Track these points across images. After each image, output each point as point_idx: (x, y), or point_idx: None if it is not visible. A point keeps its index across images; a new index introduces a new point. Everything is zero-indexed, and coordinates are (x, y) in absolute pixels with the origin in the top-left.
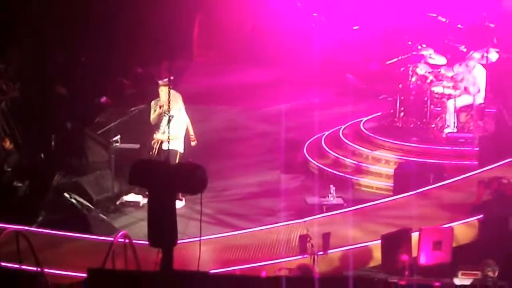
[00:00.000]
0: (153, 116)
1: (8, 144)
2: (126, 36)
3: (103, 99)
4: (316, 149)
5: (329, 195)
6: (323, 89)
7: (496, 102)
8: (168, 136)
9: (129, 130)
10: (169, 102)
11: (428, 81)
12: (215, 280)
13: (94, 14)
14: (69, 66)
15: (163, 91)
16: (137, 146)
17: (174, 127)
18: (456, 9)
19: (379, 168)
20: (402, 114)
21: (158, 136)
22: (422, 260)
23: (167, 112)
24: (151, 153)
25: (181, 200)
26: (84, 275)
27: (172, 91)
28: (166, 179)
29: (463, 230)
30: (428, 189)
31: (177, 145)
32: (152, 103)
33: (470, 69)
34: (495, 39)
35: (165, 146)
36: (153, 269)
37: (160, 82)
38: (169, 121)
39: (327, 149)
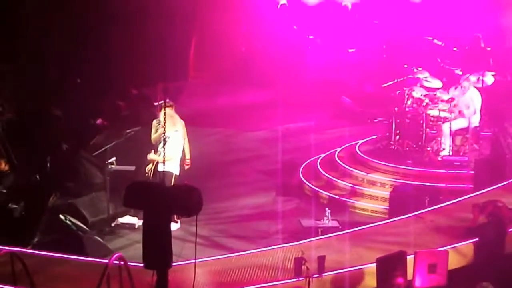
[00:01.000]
0: (154, 136)
1: (3, 166)
2: (121, 57)
3: (99, 120)
4: (312, 171)
5: (324, 217)
6: (318, 111)
7: (491, 125)
8: (164, 158)
9: (125, 152)
10: (164, 123)
11: (424, 104)
12: None
13: (90, 36)
14: (65, 88)
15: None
16: (132, 168)
17: (169, 149)
18: (452, 32)
19: (374, 191)
20: (397, 137)
21: (152, 156)
22: (418, 283)
23: (163, 134)
24: (146, 175)
25: (176, 222)
26: None
27: (170, 112)
28: (162, 201)
29: (459, 253)
30: (423, 212)
31: (173, 167)
32: (154, 122)
33: (466, 92)
34: (491, 61)
35: (160, 168)
36: None
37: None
38: (164, 142)
39: (322, 171)
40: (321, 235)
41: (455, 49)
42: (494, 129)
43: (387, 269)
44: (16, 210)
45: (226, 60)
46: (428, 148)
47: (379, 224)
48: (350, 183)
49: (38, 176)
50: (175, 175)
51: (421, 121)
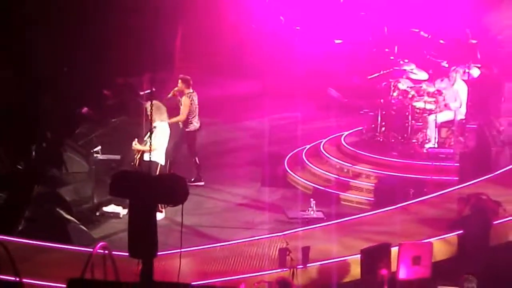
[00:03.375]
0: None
1: None
2: (107, 46)
3: (84, 109)
4: (297, 162)
5: (309, 209)
6: (305, 103)
7: (477, 118)
8: (150, 147)
9: (110, 141)
10: (151, 114)
11: (410, 96)
12: None
13: (75, 25)
14: (50, 76)
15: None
16: (118, 157)
17: (155, 139)
18: (439, 24)
19: (359, 183)
20: (383, 128)
21: (137, 146)
22: (402, 275)
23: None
24: (132, 164)
25: (161, 211)
26: (64, 285)
27: (156, 103)
28: (147, 191)
29: (443, 245)
30: (408, 204)
31: (158, 157)
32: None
33: (453, 84)
34: (479, 55)
35: (146, 158)
36: (133, 280)
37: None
38: (151, 132)
39: (308, 162)
40: (306, 226)
41: (441, 41)
42: (479, 121)
43: (371, 260)
44: (0, 198)
45: (213, 51)
46: (414, 140)
47: (364, 216)
48: (335, 174)
49: (22, 165)
50: (161, 165)
51: (407, 113)
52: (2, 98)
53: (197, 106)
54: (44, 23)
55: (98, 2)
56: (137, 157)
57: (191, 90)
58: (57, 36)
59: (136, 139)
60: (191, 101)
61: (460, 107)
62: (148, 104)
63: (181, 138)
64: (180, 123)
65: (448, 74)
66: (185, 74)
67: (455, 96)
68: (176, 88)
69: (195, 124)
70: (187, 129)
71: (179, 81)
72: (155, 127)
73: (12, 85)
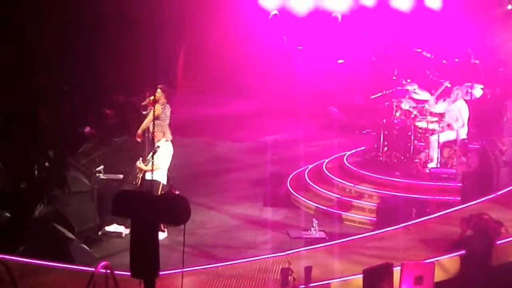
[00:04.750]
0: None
1: None
2: (109, 64)
3: (87, 129)
4: (299, 182)
5: (312, 228)
6: (307, 122)
7: (479, 138)
8: (152, 167)
9: (112, 160)
10: (153, 133)
11: (412, 116)
12: None
13: (78, 43)
14: (53, 95)
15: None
16: (120, 176)
17: (158, 158)
18: (441, 45)
19: (362, 202)
20: (385, 148)
21: (140, 165)
22: None
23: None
24: (134, 183)
25: (164, 231)
26: None
27: (160, 122)
28: (149, 210)
29: (445, 265)
30: (410, 224)
31: (160, 176)
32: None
33: (454, 102)
34: (481, 74)
35: (148, 177)
36: None
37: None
38: (154, 151)
39: (310, 182)
40: (308, 245)
41: (444, 61)
42: (482, 141)
43: (373, 280)
44: (3, 217)
45: (215, 69)
46: (416, 160)
47: (366, 236)
48: (337, 194)
49: (25, 184)
50: (163, 184)
51: (409, 133)
52: (4, 117)
53: (169, 118)
54: (46, 40)
55: (100, 19)
56: (140, 176)
57: (165, 101)
58: (58, 54)
59: (140, 158)
60: (163, 109)
61: (462, 126)
62: (151, 123)
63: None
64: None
65: (450, 94)
66: (187, 93)
67: (457, 116)
68: (152, 97)
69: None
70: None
71: (158, 90)
72: (158, 146)
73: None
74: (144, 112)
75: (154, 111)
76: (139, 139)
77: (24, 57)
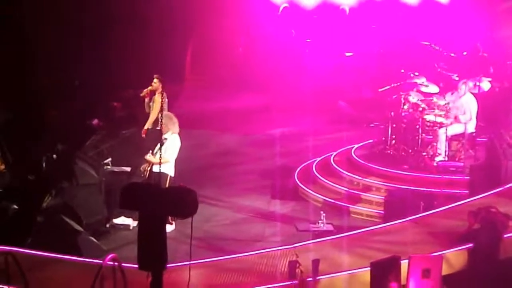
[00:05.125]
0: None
1: None
2: (118, 58)
3: (95, 121)
4: (307, 175)
5: (319, 221)
6: (315, 115)
7: (487, 131)
8: (160, 159)
9: (120, 152)
10: (161, 126)
11: (420, 109)
12: None
13: (86, 37)
14: (61, 88)
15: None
16: (128, 169)
17: (166, 151)
18: (450, 38)
19: (369, 195)
20: (393, 141)
21: (150, 158)
22: None
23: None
24: (142, 176)
25: (171, 223)
26: None
27: (168, 114)
28: (157, 203)
29: (453, 258)
30: (418, 217)
31: (168, 169)
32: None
33: (462, 96)
34: (491, 69)
35: (156, 169)
36: None
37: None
38: (161, 144)
39: (318, 175)
40: (316, 238)
41: (452, 54)
42: (490, 135)
43: (381, 273)
44: (11, 209)
45: (223, 63)
46: (424, 153)
47: (374, 229)
48: (345, 187)
49: (33, 176)
50: (170, 176)
51: (417, 126)
52: (13, 109)
53: (167, 108)
54: (55, 35)
55: (108, 15)
56: (148, 169)
57: (162, 91)
58: (67, 48)
59: (150, 151)
60: (163, 99)
61: (470, 120)
62: (159, 116)
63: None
64: (149, 123)
65: (458, 87)
66: (195, 87)
67: (464, 109)
68: (150, 87)
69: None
70: (157, 128)
71: (155, 80)
72: (165, 138)
73: (22, 96)
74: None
75: (161, 103)
76: (143, 135)
77: (34, 53)
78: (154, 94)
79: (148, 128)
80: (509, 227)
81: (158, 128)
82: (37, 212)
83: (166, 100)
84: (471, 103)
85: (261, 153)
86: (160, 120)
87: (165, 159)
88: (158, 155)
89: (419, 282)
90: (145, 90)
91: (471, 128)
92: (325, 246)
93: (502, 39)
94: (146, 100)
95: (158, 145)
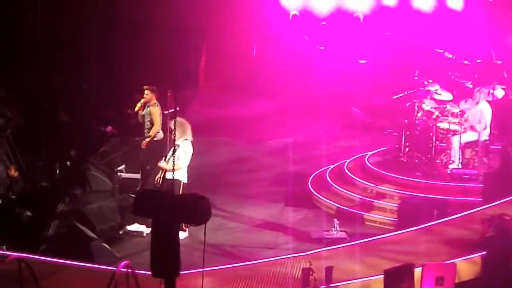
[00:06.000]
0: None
1: (13, 172)
2: (131, 65)
3: (108, 128)
4: (321, 182)
5: (333, 229)
6: (328, 122)
7: (501, 139)
8: (173, 166)
9: (134, 159)
10: (174, 131)
11: (434, 116)
12: None
13: (99, 43)
14: (75, 95)
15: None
16: (139, 176)
17: (179, 158)
18: (463, 45)
19: (383, 203)
20: (407, 149)
21: (163, 165)
22: None
23: (174, 141)
24: (155, 183)
25: (185, 231)
26: None
27: (181, 120)
28: (170, 210)
29: (466, 266)
30: (432, 225)
31: (181, 175)
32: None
33: (477, 103)
34: (505, 74)
35: (168, 176)
36: None
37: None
38: (174, 150)
39: (331, 183)
40: (329, 246)
41: (466, 62)
42: (503, 142)
43: (394, 281)
44: (25, 216)
45: (237, 69)
46: (438, 161)
47: (387, 236)
48: (359, 195)
49: (46, 183)
50: (183, 183)
51: (431, 134)
52: (26, 117)
53: (161, 118)
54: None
55: (124, 21)
56: (161, 176)
57: (156, 102)
58: (79, 53)
59: (163, 158)
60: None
61: (485, 128)
62: (172, 122)
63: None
64: (146, 131)
65: (472, 95)
66: (208, 93)
67: (480, 118)
68: (143, 100)
69: (161, 133)
70: (155, 138)
71: (147, 91)
72: (178, 145)
73: (35, 103)
74: (166, 112)
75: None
76: (143, 147)
77: (43, 58)
78: (147, 106)
79: (148, 140)
80: None
81: (157, 139)
82: (50, 219)
83: (160, 110)
84: (486, 112)
85: (274, 159)
86: (173, 127)
87: (178, 166)
88: (171, 162)
89: None
90: (138, 104)
91: (484, 135)
92: (338, 254)
93: None
94: (140, 112)
95: (171, 152)
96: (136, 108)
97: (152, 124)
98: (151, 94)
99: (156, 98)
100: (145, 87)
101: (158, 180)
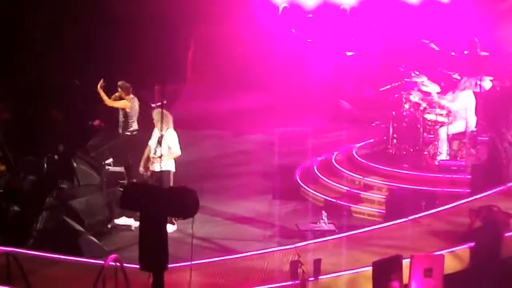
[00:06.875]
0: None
1: (0, 166)
2: (119, 59)
3: (96, 122)
4: (308, 175)
5: (321, 221)
6: (316, 115)
7: (488, 130)
8: (160, 156)
9: (122, 153)
10: (161, 123)
11: (421, 108)
12: None
13: (88, 38)
14: (62, 89)
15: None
16: (122, 169)
17: (171, 146)
18: (450, 37)
19: (371, 195)
20: (395, 141)
21: (154, 156)
22: (413, 287)
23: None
24: (144, 174)
25: (173, 224)
26: None
27: (164, 111)
28: (158, 203)
29: (455, 257)
30: (420, 216)
31: (170, 166)
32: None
33: (461, 92)
34: (490, 66)
35: (157, 168)
36: None
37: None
38: (159, 141)
39: (319, 175)
40: (318, 238)
41: (452, 53)
42: (491, 134)
43: (383, 272)
44: (12, 210)
45: (224, 63)
46: (425, 152)
47: (376, 228)
48: (346, 187)
49: (34, 177)
50: (173, 172)
51: (418, 125)
52: (14, 110)
53: (138, 112)
54: (57, 37)
55: (112, 16)
56: (150, 168)
57: (131, 96)
58: (68, 49)
59: (154, 151)
60: (132, 103)
61: (467, 112)
62: (155, 112)
63: (125, 142)
64: (120, 127)
65: (458, 87)
66: (196, 87)
67: (464, 104)
68: (116, 94)
69: (134, 127)
70: (126, 133)
71: (119, 88)
72: (162, 135)
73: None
74: (153, 105)
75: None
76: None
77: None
78: (122, 99)
79: (121, 132)
80: (510, 226)
81: (127, 133)
82: (38, 213)
83: (137, 104)
84: (473, 103)
85: (262, 152)
86: (159, 118)
87: (175, 153)
88: (159, 151)
89: (421, 281)
90: (112, 96)
91: (472, 127)
92: (326, 246)
93: (504, 38)
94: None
95: (156, 143)
96: (111, 103)
97: (125, 117)
98: (121, 91)
99: (132, 93)
100: (118, 83)
101: (148, 173)
